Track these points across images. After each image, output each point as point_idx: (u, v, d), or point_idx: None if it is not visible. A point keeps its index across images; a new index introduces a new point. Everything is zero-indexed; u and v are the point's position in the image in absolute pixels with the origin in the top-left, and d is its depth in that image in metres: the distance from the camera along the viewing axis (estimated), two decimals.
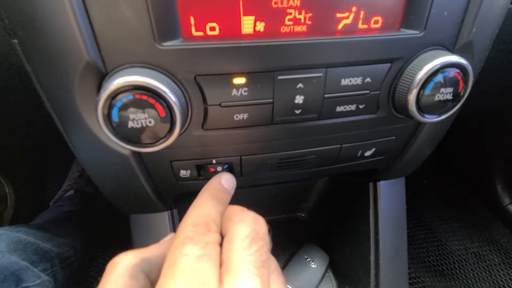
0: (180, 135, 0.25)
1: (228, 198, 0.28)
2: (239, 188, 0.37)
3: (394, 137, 0.34)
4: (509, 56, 0.45)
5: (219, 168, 0.32)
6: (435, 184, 1.17)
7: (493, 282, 0.92)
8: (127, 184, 0.32)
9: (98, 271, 0.81)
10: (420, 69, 0.26)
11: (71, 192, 0.96)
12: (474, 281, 0.92)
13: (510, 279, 0.92)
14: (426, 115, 0.28)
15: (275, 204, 0.60)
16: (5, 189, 0.99)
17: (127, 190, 0.33)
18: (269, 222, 0.65)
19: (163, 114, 0.23)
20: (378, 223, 0.44)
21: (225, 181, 0.28)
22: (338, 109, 0.29)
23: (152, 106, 0.22)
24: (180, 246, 0.20)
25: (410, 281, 0.90)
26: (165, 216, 0.39)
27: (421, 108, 0.28)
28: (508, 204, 1.06)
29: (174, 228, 0.40)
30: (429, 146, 0.38)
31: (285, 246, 0.55)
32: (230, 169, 0.32)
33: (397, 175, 0.44)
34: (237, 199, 0.52)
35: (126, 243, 0.41)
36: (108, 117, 0.22)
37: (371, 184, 0.45)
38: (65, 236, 0.58)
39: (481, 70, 0.32)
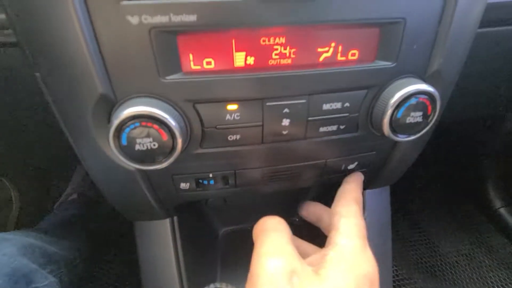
0: (180, 153, 0.28)
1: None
2: (235, 197, 0.40)
3: (374, 152, 0.38)
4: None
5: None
6: (428, 187, 1.20)
7: (483, 284, 0.94)
8: (132, 195, 0.36)
9: (102, 272, 0.85)
10: (392, 95, 0.30)
11: (74, 196, 1.00)
12: (465, 282, 0.95)
13: (500, 280, 0.95)
14: (399, 135, 0.32)
15: (270, 209, 0.64)
16: (10, 193, 1.02)
17: (132, 200, 0.37)
18: None
19: (165, 138, 0.26)
20: None
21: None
22: (321, 129, 0.32)
23: (156, 132, 0.26)
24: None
25: (403, 282, 0.93)
26: (166, 223, 0.43)
27: (394, 129, 0.31)
28: (500, 208, 1.09)
29: (174, 234, 0.43)
30: (408, 159, 0.41)
31: None
32: (225, 181, 0.36)
33: (381, 185, 0.47)
34: (231, 206, 0.55)
35: (128, 245, 0.44)
36: (118, 141, 0.26)
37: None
38: (70, 239, 0.62)
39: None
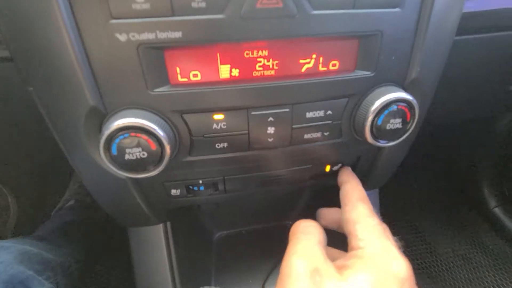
0: (170, 161, 0.29)
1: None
2: (227, 201, 0.42)
3: (360, 157, 0.39)
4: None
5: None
6: (424, 188, 1.21)
7: (480, 284, 0.95)
8: (124, 202, 0.37)
9: (98, 278, 0.85)
10: (372, 103, 0.31)
11: (72, 202, 1.00)
12: (461, 283, 0.95)
13: (495, 280, 0.96)
14: (380, 141, 0.33)
15: (263, 213, 0.65)
16: (7, 199, 1.03)
17: (125, 206, 0.38)
18: (257, 231, 0.70)
19: (154, 147, 0.28)
20: None
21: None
22: (306, 136, 0.33)
23: (145, 141, 0.27)
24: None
25: None
26: (159, 228, 0.44)
27: (375, 135, 0.32)
28: (495, 207, 1.10)
29: (168, 239, 0.44)
30: (393, 163, 0.42)
31: (272, 254, 0.59)
32: (215, 187, 0.37)
33: (369, 188, 0.48)
34: (226, 210, 0.56)
35: (123, 251, 0.45)
36: (108, 151, 0.27)
37: None
38: (66, 246, 0.63)
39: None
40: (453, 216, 1.13)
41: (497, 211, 1.09)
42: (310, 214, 0.54)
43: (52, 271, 0.51)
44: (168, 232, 0.44)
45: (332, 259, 0.31)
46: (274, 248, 0.65)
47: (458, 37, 0.40)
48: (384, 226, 0.32)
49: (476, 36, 0.44)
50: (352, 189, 0.35)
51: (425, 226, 1.10)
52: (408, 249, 1.03)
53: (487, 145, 1.07)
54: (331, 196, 0.55)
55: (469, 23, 0.41)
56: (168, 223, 0.44)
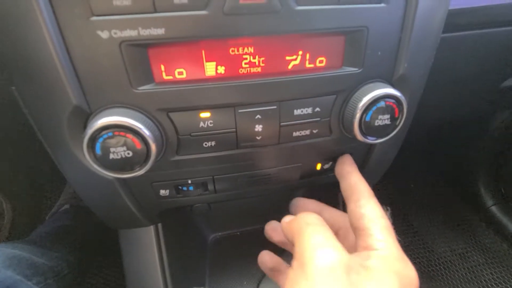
0: (157, 161, 0.29)
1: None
2: (216, 202, 0.41)
3: (350, 154, 0.39)
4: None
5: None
6: (421, 187, 1.21)
7: (477, 282, 0.95)
8: (113, 203, 0.36)
9: (91, 281, 0.84)
10: (360, 100, 0.31)
11: (66, 206, 0.99)
12: (459, 282, 0.95)
13: (493, 278, 0.96)
14: (369, 137, 0.33)
15: (257, 214, 0.64)
16: (2, 205, 1.02)
17: (114, 208, 0.38)
18: (251, 232, 0.69)
19: (139, 146, 0.27)
20: None
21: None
22: (295, 134, 0.33)
23: (130, 140, 0.27)
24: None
25: None
26: (150, 230, 0.43)
27: (364, 132, 0.32)
28: (491, 206, 1.11)
29: (159, 241, 0.44)
30: (385, 161, 0.42)
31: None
32: (205, 187, 0.37)
33: None
34: (220, 212, 0.56)
35: (117, 255, 0.44)
36: (92, 150, 0.26)
37: (339, 194, 0.49)
38: (58, 250, 0.62)
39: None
40: (451, 214, 1.13)
41: (494, 209, 1.10)
42: None
43: (43, 276, 0.50)
44: (159, 234, 0.44)
45: None
46: (269, 249, 0.64)
47: (446, 34, 0.41)
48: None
49: (465, 33, 0.44)
50: (360, 182, 0.33)
51: (423, 225, 1.10)
52: (406, 248, 1.02)
53: (483, 144, 1.07)
54: (325, 196, 0.55)
55: (457, 19, 0.42)
56: (159, 225, 0.43)
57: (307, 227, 0.28)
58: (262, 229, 0.66)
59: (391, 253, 0.27)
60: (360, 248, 0.28)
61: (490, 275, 0.97)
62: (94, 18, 0.24)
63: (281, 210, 0.65)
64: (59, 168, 0.33)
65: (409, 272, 0.26)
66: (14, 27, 0.24)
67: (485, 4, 0.43)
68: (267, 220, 0.66)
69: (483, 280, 0.95)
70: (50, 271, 0.52)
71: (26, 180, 1.07)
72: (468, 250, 1.03)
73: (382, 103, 0.31)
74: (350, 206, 0.31)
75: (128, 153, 0.27)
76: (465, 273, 0.98)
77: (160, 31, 0.25)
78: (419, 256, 1.01)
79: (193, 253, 0.55)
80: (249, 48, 0.28)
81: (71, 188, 1.07)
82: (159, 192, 0.35)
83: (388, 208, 0.35)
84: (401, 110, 0.32)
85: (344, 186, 0.34)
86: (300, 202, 0.41)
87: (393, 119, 0.32)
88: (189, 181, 0.35)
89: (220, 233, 0.63)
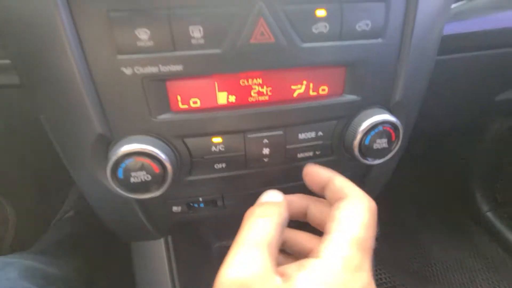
0: (172, 181, 0.31)
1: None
2: (225, 217, 0.43)
3: (349, 173, 0.41)
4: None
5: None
6: (418, 194, 1.24)
7: (473, 287, 0.97)
8: (128, 219, 0.39)
9: None
10: (360, 125, 0.33)
11: (71, 213, 1.01)
12: (455, 286, 0.98)
13: (489, 283, 0.98)
14: (368, 159, 0.35)
15: None
16: (6, 211, 1.03)
17: (128, 223, 0.40)
18: None
19: (157, 170, 0.30)
20: None
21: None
22: (299, 155, 0.36)
23: (149, 165, 0.29)
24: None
25: None
26: (161, 242, 0.45)
27: (363, 154, 0.35)
28: (487, 211, 1.13)
29: (169, 252, 0.46)
30: (383, 177, 0.45)
31: None
32: (214, 204, 0.39)
33: None
34: (223, 221, 0.58)
35: (125, 263, 0.46)
36: (115, 175, 0.29)
37: None
38: (67, 259, 0.64)
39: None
40: (447, 220, 1.16)
41: (490, 215, 1.12)
42: (306, 223, 0.56)
43: (55, 285, 0.52)
44: (169, 245, 0.46)
45: (298, 248, 0.30)
46: None
47: (443, 56, 0.43)
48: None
49: (461, 55, 0.47)
50: (346, 182, 0.30)
51: (420, 230, 1.13)
52: (403, 253, 1.05)
53: (479, 152, 1.10)
54: None
55: (452, 43, 0.44)
56: (169, 237, 0.46)
57: (246, 221, 0.26)
58: None
59: (340, 273, 0.23)
60: (312, 254, 0.25)
61: (486, 280, 0.99)
62: (120, 56, 0.26)
63: None
64: (79, 187, 0.36)
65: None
66: (46, 62, 0.26)
67: (476, 29, 0.46)
68: None
69: (478, 285, 0.98)
70: (61, 281, 0.54)
71: (30, 186, 1.08)
72: (464, 255, 1.06)
73: (380, 128, 0.33)
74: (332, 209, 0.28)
75: (148, 177, 0.29)
76: (461, 278, 1.00)
77: (178, 68, 0.27)
78: (416, 260, 1.03)
79: (200, 262, 0.57)
80: (258, 79, 0.31)
81: (75, 195, 1.09)
82: (172, 209, 0.38)
83: (379, 230, 0.33)
84: (397, 135, 0.34)
85: (330, 192, 0.31)
86: (310, 169, 0.34)
87: (390, 142, 0.34)
88: (200, 199, 0.38)
89: (224, 242, 0.65)
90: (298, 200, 0.34)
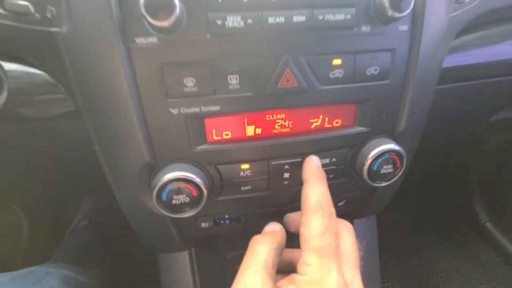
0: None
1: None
2: (244, 232, 0.48)
3: (359, 192, 0.46)
4: None
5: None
6: (420, 204, 1.28)
7: None
8: (160, 232, 0.43)
9: None
10: (369, 153, 0.38)
11: (85, 222, 1.05)
12: None
13: None
14: (376, 182, 0.40)
15: None
16: (20, 219, 1.07)
17: (159, 236, 0.45)
18: None
19: (195, 193, 0.34)
20: None
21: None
22: None
23: (188, 189, 0.34)
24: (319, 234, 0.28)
25: None
26: (185, 254, 0.50)
27: (372, 177, 0.39)
28: (486, 222, 1.17)
29: (192, 263, 0.51)
30: (387, 195, 0.50)
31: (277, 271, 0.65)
32: (238, 220, 0.44)
33: (367, 215, 0.55)
34: (238, 233, 0.62)
35: (142, 271, 0.50)
36: (159, 198, 0.34)
37: (352, 222, 0.56)
38: (91, 267, 0.68)
39: None
40: (447, 230, 1.19)
41: (489, 225, 1.15)
42: None
43: None
44: (192, 256, 0.50)
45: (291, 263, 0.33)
46: (280, 266, 0.70)
47: (441, 86, 0.48)
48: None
49: (457, 84, 0.52)
50: (311, 193, 0.32)
51: (420, 241, 1.16)
52: (403, 263, 1.08)
53: (477, 163, 1.14)
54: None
55: (450, 75, 0.49)
56: (193, 249, 0.50)
57: (250, 246, 0.31)
58: None
59: (313, 279, 0.26)
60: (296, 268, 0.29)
61: None
62: (169, 99, 0.31)
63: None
64: (120, 204, 0.40)
65: None
66: (110, 103, 0.31)
67: (471, 62, 0.51)
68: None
69: None
70: None
71: (43, 196, 1.12)
72: (464, 265, 1.08)
73: (386, 156, 0.38)
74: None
75: (186, 199, 0.34)
76: (461, 287, 1.03)
77: (216, 108, 0.32)
78: (416, 270, 1.06)
79: (217, 270, 0.62)
80: (281, 114, 0.36)
81: (89, 204, 1.13)
82: (200, 225, 0.42)
83: (364, 241, 0.36)
84: (401, 161, 0.39)
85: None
86: (290, 217, 0.41)
87: (395, 168, 0.39)
88: (226, 216, 0.42)
89: (238, 252, 0.70)
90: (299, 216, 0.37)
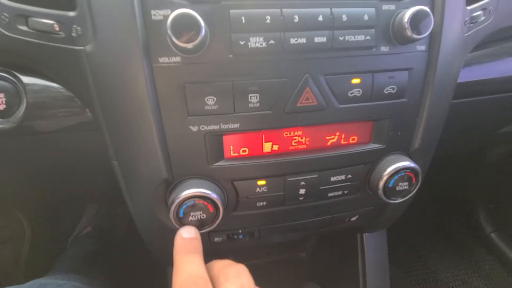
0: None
1: (198, 243, 0.32)
2: (256, 246, 0.48)
3: (372, 207, 0.46)
4: None
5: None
6: (425, 216, 1.27)
7: None
8: (173, 246, 0.43)
9: None
10: (385, 170, 0.38)
11: (89, 229, 1.04)
12: None
13: None
14: (391, 198, 0.40)
15: (278, 245, 0.71)
16: (23, 224, 1.06)
17: (172, 250, 0.44)
18: (271, 262, 0.76)
19: (211, 210, 0.34)
20: (365, 267, 0.55)
21: (186, 233, 0.32)
22: (330, 194, 0.40)
23: (205, 206, 0.34)
24: None
25: None
26: None
27: (387, 194, 0.39)
28: (491, 232, 1.16)
29: None
30: (399, 210, 0.50)
31: (287, 285, 0.65)
32: (252, 235, 0.44)
33: (378, 229, 0.55)
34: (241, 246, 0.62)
35: (149, 281, 0.49)
36: (176, 214, 0.33)
37: (358, 235, 0.56)
38: (97, 277, 0.67)
39: None
40: (453, 241, 1.18)
41: (493, 236, 1.15)
42: (322, 247, 0.60)
43: None
44: None
45: None
46: (288, 279, 0.70)
47: (456, 101, 0.48)
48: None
49: (469, 99, 0.52)
50: (176, 272, 0.29)
51: (426, 252, 1.15)
52: (409, 274, 1.08)
53: (482, 175, 1.14)
54: (339, 237, 0.62)
55: (463, 90, 0.50)
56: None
57: None
58: (275, 259, 0.71)
59: None
60: None
61: None
62: (190, 117, 0.31)
63: (294, 241, 0.71)
64: (134, 219, 0.40)
65: None
66: (130, 120, 0.31)
67: (482, 78, 0.51)
68: (280, 250, 0.72)
69: None
70: None
71: (46, 202, 1.11)
72: (469, 275, 1.08)
73: (402, 173, 0.38)
74: None
75: (203, 216, 0.34)
76: None
77: (235, 125, 0.33)
78: (422, 281, 1.06)
79: None
80: (298, 131, 0.36)
81: (93, 211, 1.13)
82: (214, 239, 0.42)
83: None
84: (417, 178, 0.39)
85: None
86: None
87: (410, 185, 0.39)
88: (240, 231, 0.42)
89: (249, 263, 0.69)
90: None
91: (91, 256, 0.81)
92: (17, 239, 1.04)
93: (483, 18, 0.41)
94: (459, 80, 0.46)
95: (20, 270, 0.99)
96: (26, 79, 0.34)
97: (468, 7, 0.39)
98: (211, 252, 0.53)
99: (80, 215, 1.11)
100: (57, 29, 0.29)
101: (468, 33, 0.39)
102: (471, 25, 0.40)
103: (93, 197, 1.04)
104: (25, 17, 0.30)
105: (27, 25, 0.30)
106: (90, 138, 0.37)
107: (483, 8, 0.41)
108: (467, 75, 0.49)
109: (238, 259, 0.66)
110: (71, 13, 0.29)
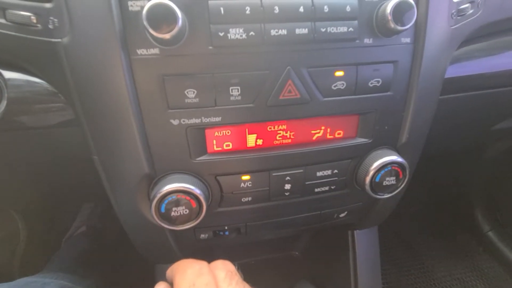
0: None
1: None
2: (244, 243, 0.47)
3: (361, 203, 0.45)
4: None
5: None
6: (421, 214, 1.27)
7: None
8: (159, 243, 0.43)
9: None
10: (371, 164, 0.38)
11: (83, 228, 1.04)
12: None
13: None
14: (378, 194, 0.39)
15: (270, 243, 0.70)
16: (18, 225, 1.06)
17: (158, 247, 0.44)
18: (264, 260, 0.75)
19: (194, 205, 0.34)
20: (356, 264, 0.54)
21: None
22: (316, 190, 0.40)
23: (187, 201, 0.33)
24: None
25: None
26: None
27: (373, 189, 0.39)
28: (488, 231, 1.16)
29: None
30: (389, 206, 0.49)
31: (279, 284, 0.64)
32: (238, 231, 0.43)
33: (369, 226, 0.55)
34: (234, 244, 0.61)
35: (142, 280, 0.49)
36: (158, 209, 0.33)
37: (349, 232, 0.55)
38: (89, 276, 0.67)
39: None
40: (450, 240, 1.18)
41: (491, 234, 1.15)
42: (314, 245, 0.60)
43: None
44: None
45: None
46: (280, 277, 0.69)
47: (444, 96, 0.48)
48: None
49: (460, 94, 0.52)
50: None
51: (423, 251, 1.14)
52: (405, 273, 1.07)
53: (479, 173, 1.13)
54: (331, 234, 0.61)
55: (452, 85, 0.49)
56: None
57: None
58: (267, 258, 0.71)
59: None
60: None
61: None
62: (170, 111, 0.31)
63: (293, 241, 0.70)
64: (118, 215, 0.40)
65: None
66: (109, 115, 0.31)
67: (473, 73, 0.51)
68: (279, 249, 0.72)
69: None
70: None
71: (41, 202, 1.10)
72: (466, 275, 1.07)
73: (389, 168, 0.38)
74: None
75: (186, 211, 0.34)
76: None
77: (217, 119, 0.32)
78: (419, 280, 1.05)
79: None
80: (283, 125, 0.36)
81: (87, 210, 1.12)
82: (199, 236, 0.42)
83: (236, 263, 0.35)
84: (404, 173, 0.39)
85: None
86: None
87: (398, 180, 0.39)
88: (226, 227, 0.42)
89: (236, 262, 0.69)
90: None
91: (84, 255, 0.81)
92: (12, 239, 1.03)
93: (471, 11, 0.41)
94: (449, 75, 0.46)
95: (15, 270, 0.99)
96: (7, 74, 0.34)
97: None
98: (202, 250, 0.52)
99: (75, 215, 1.11)
100: (34, 21, 0.29)
101: (455, 26, 0.39)
102: (459, 17, 0.39)
103: (88, 196, 1.04)
104: (2, 9, 0.29)
105: (4, 17, 0.29)
106: (75, 134, 0.36)
107: (471, 1, 0.41)
108: (457, 70, 0.49)
109: (230, 257, 0.65)
110: (48, 5, 0.28)
